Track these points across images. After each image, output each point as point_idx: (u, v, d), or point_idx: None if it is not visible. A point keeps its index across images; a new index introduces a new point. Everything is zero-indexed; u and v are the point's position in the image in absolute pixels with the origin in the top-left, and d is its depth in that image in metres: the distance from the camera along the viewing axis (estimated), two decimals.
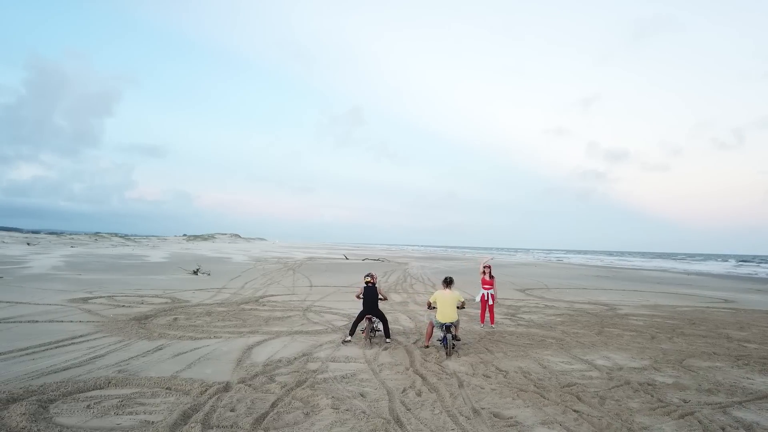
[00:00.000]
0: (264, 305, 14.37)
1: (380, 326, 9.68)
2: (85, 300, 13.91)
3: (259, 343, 8.98)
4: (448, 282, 9.09)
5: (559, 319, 13.15)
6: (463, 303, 8.96)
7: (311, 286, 20.89)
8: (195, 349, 8.37)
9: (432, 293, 9.48)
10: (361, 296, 9.57)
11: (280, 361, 7.72)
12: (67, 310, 12.10)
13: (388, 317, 10.75)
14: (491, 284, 11.82)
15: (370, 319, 9.30)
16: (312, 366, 7.51)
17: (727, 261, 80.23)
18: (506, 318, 13.19)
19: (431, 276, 28.90)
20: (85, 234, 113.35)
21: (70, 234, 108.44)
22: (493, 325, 11.54)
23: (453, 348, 8.59)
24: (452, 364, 7.93)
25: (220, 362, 7.59)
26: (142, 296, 15.36)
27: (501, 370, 7.57)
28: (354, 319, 9.70)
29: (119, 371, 6.78)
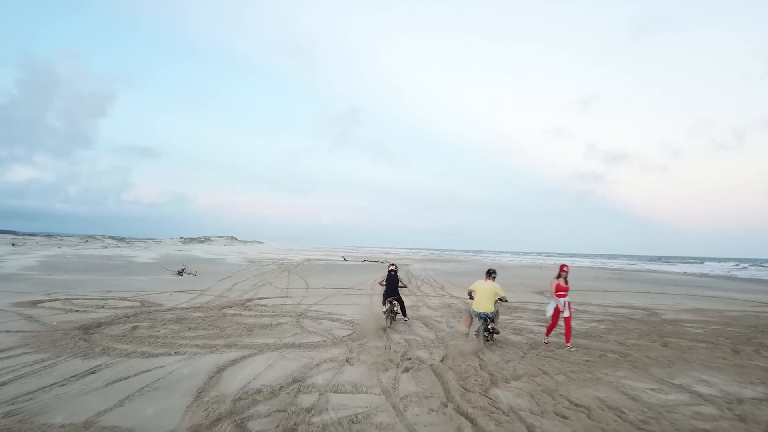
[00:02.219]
0: (251, 310, 11.93)
1: (399, 309, 10.63)
2: (34, 303, 11.42)
3: (234, 362, 6.56)
4: (489, 273, 8.80)
5: (602, 327, 10.80)
6: (503, 298, 8.46)
7: (307, 288, 18.45)
8: (143, 372, 5.94)
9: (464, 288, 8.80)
10: (383, 283, 10.54)
11: (259, 391, 5.30)
12: (4, 316, 9.63)
13: (398, 324, 10.19)
14: (566, 292, 8.75)
15: (391, 302, 10.26)
16: (305, 400, 5.10)
17: (726, 263, 78.20)
18: (541, 326, 10.82)
19: (436, 277, 26.50)
20: (78, 236, 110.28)
21: (63, 236, 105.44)
22: (568, 344, 8.48)
23: (487, 340, 8.29)
24: (503, 393, 5.55)
25: (172, 394, 5.16)
26: (107, 299, 12.89)
27: (577, 405, 5.19)
28: (383, 298, 10.54)
29: (4, 415, 4.35)
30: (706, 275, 41.69)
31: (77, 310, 10.64)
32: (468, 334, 8.46)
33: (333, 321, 10.49)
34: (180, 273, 23.06)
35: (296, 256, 58.07)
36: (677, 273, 43.22)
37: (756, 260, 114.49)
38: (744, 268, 65.69)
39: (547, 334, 9.02)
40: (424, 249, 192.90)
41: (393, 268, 10.80)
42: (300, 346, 7.81)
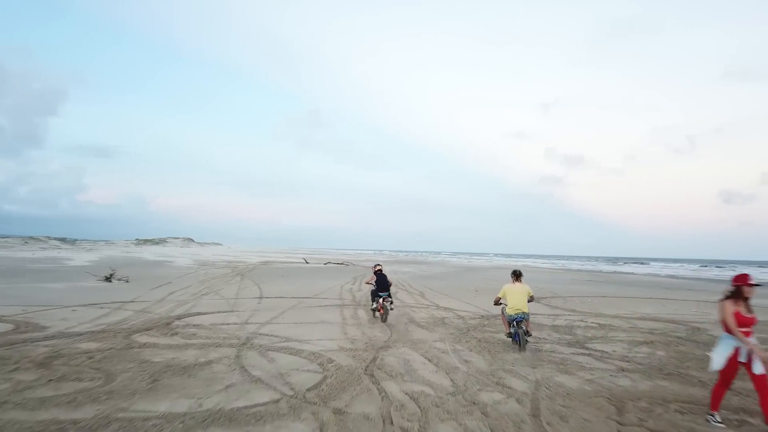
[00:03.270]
0: (175, 335, 8.29)
1: (390, 306, 10.70)
2: None
3: None
4: (517, 275, 8.24)
5: (661, 353, 7.78)
6: (532, 296, 8.05)
7: (261, 297, 14.78)
8: None
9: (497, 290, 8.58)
10: (373, 283, 10.80)
11: None
12: None
13: (389, 357, 6.85)
14: (752, 325, 4.50)
15: (381, 301, 10.46)
16: None
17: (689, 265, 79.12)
18: (579, 353, 7.70)
19: (411, 282, 23.27)
20: (21, 238, 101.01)
21: (5, 237, 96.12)
22: None
23: (526, 343, 7.70)
24: None
25: None
26: None
27: None
28: (371, 296, 10.97)
29: None
30: (674, 277, 40.51)
31: None
32: (509, 333, 7.97)
33: (291, 355, 7.00)
34: (108, 279, 18.83)
35: (254, 258, 53.68)
36: (649, 274, 41.84)
37: (703, 261, 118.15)
38: (695, 270, 66.33)
39: (716, 404, 4.67)
40: (385, 251, 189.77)
41: (379, 267, 11.16)
42: (232, 418, 4.33)
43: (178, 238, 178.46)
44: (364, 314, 11.53)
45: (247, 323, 9.66)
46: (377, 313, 10.79)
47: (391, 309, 10.91)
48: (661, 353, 7.83)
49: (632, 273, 43.50)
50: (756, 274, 48.12)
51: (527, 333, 7.76)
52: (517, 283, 8.07)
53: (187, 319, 9.96)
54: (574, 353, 7.68)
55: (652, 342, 8.79)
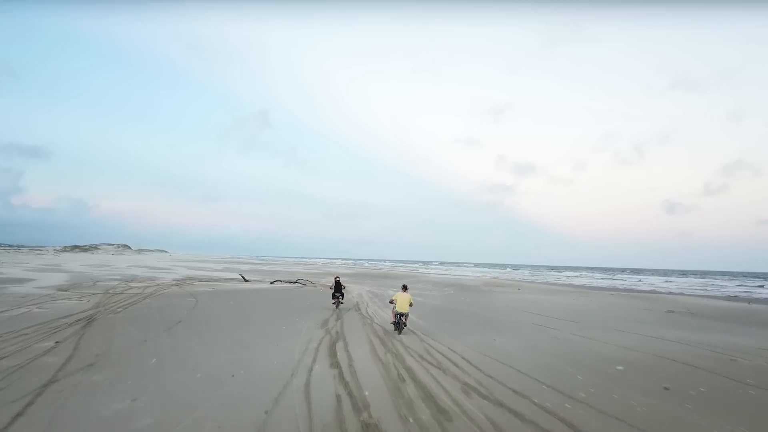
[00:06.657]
0: None
1: (343, 300, 15.89)
2: None
3: None
4: (405, 287, 11.43)
5: None
6: (411, 303, 10.98)
7: None
8: None
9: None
10: (332, 287, 15.42)
11: None
12: None
13: None
14: None
15: (338, 298, 15.10)
16: None
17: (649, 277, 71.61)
18: None
19: (453, 343, 10.39)
20: None
21: None
22: None
23: (403, 328, 10.80)
24: None
25: None
26: None
27: None
28: (332, 296, 15.43)
29: None
30: (738, 299, 30.15)
31: None
32: (394, 322, 10.97)
33: None
34: None
35: (179, 271, 38.58)
36: (691, 295, 31.15)
37: (645, 271, 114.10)
38: (670, 281, 58.82)
39: None
40: (338, 259, 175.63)
41: (338, 278, 15.88)
42: None
43: (112, 244, 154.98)
44: None
45: None
46: (337, 305, 15.05)
47: (342, 303, 15.47)
48: None
49: (656, 291, 32.47)
50: (718, 287, 39.12)
51: (405, 324, 10.80)
52: (404, 293, 11.08)
53: None
54: None
55: None
